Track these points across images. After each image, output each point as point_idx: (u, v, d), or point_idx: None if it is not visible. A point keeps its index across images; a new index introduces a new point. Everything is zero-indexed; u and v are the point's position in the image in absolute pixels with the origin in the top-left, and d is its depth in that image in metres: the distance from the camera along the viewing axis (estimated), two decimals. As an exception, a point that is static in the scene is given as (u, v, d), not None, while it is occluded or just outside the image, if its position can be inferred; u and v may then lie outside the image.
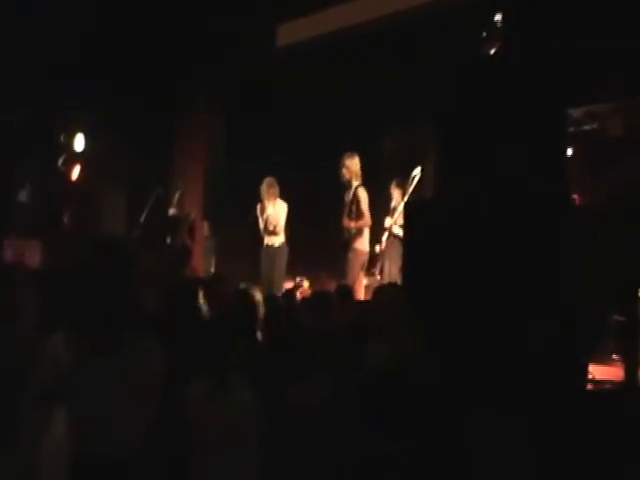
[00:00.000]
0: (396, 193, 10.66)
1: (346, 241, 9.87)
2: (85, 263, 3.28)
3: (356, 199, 9.86)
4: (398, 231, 9.98)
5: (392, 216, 10.35)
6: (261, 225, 10.67)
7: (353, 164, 9.94)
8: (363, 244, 9.87)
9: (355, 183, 9.91)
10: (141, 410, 3.26)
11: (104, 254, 3.27)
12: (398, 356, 4.92)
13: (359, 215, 9.81)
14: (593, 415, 5.44)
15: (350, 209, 9.86)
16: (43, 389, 3.16)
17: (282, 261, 10.59)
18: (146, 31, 11.96)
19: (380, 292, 6.25)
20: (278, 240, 10.61)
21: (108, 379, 3.16)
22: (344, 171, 9.92)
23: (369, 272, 10.52)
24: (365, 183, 9.97)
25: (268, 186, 10.67)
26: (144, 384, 3.26)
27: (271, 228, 10.56)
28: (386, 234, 10.30)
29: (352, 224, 9.81)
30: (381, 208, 10.68)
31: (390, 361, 4.88)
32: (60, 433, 3.14)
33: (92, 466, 3.10)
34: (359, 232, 9.83)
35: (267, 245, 10.67)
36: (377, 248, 10.31)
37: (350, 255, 9.82)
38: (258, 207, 10.70)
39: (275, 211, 10.61)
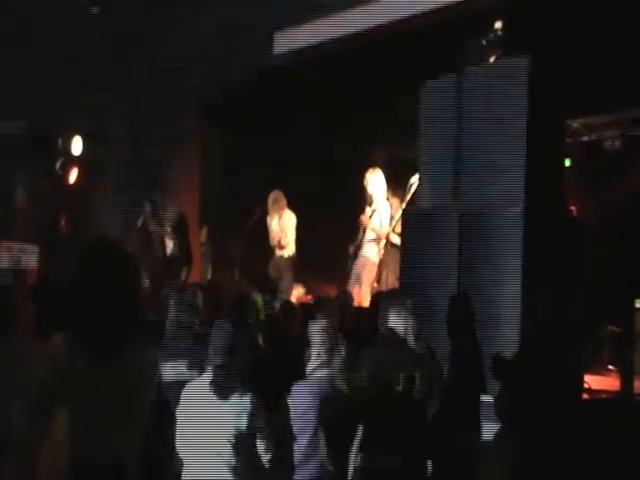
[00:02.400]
0: (393, 202, 10.64)
1: (357, 247, 9.93)
2: (87, 268, 3.23)
3: (379, 212, 9.93)
4: (396, 239, 9.97)
5: (390, 224, 10.35)
6: (270, 237, 10.78)
7: (377, 179, 10.01)
8: (372, 254, 9.91)
9: (380, 198, 9.94)
10: (137, 415, 3.25)
11: (107, 258, 3.24)
12: (400, 366, 4.89)
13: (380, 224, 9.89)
14: (589, 425, 5.45)
15: (371, 216, 9.91)
16: (42, 391, 3.14)
17: (289, 271, 10.65)
18: (146, 39, 11.98)
19: (380, 300, 6.24)
20: (287, 251, 10.67)
21: (107, 385, 3.15)
22: (368, 187, 9.96)
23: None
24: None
25: (274, 201, 10.69)
26: (141, 390, 3.26)
27: (274, 243, 10.64)
28: (383, 242, 10.28)
29: (369, 223, 9.90)
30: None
31: (392, 371, 4.84)
32: (61, 436, 3.12)
33: (90, 471, 3.10)
34: (374, 240, 9.86)
35: (277, 256, 10.75)
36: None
37: (358, 261, 9.88)
38: (268, 218, 10.76)
39: (281, 224, 10.63)
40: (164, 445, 4.09)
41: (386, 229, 9.90)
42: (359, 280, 9.85)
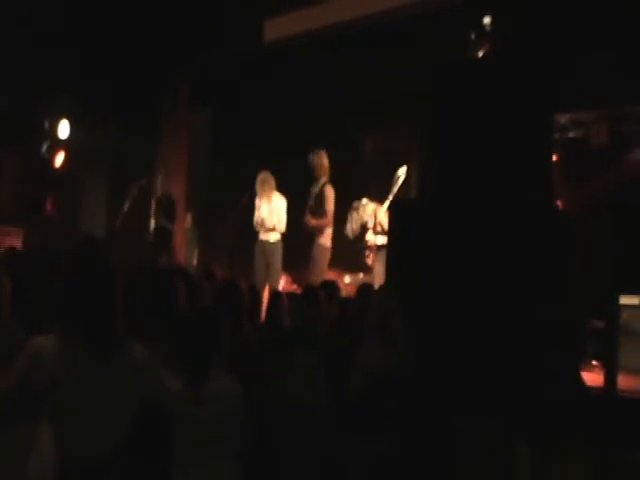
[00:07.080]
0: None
1: (310, 237, 9.88)
2: (76, 271, 3.25)
3: (322, 196, 9.85)
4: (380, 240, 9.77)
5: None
6: (256, 220, 10.39)
7: (320, 160, 9.96)
8: (325, 240, 9.87)
9: (323, 179, 9.94)
10: (126, 409, 3.26)
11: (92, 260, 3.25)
12: (396, 360, 4.88)
13: (322, 213, 9.79)
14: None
15: (315, 205, 9.88)
16: (26, 391, 3.10)
17: (278, 257, 10.27)
18: (134, 22, 11.92)
19: (372, 293, 6.24)
20: (274, 236, 10.29)
21: (98, 383, 3.15)
22: (314, 167, 9.96)
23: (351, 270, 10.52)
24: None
25: (262, 182, 10.23)
26: (130, 385, 3.27)
27: (267, 226, 10.24)
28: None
29: (313, 222, 9.85)
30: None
31: (388, 365, 4.84)
32: (47, 437, 3.10)
33: (77, 467, 3.09)
34: (321, 229, 9.85)
35: (262, 240, 10.35)
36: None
37: (314, 252, 9.83)
38: (256, 202, 10.42)
39: (271, 208, 10.25)
40: (149, 436, 4.07)
41: (330, 215, 9.88)
42: (318, 268, 9.82)
